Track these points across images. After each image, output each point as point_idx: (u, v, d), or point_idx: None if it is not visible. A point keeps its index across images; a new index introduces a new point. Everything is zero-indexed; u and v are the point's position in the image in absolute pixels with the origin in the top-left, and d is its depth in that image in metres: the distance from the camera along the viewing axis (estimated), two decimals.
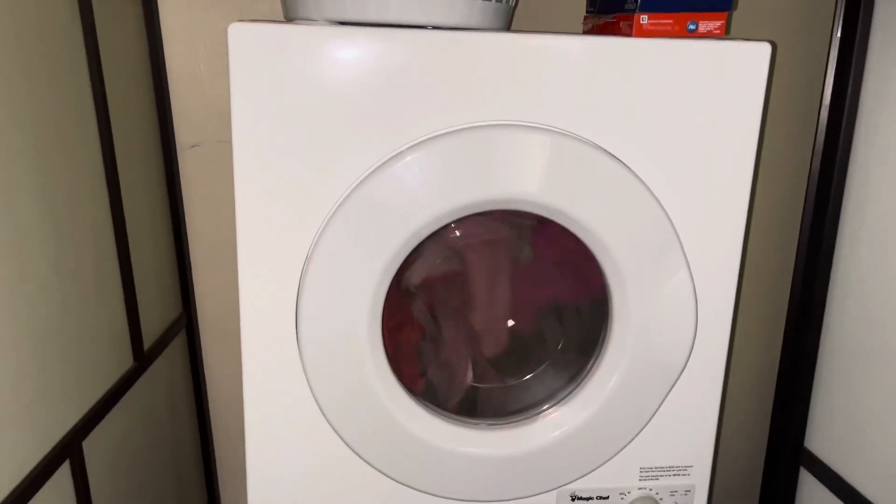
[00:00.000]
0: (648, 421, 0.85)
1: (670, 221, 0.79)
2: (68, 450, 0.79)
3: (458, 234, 0.86)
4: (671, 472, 0.90)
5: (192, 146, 1.14)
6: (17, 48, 0.72)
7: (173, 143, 1.12)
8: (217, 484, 1.28)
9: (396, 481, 0.85)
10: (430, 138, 0.74)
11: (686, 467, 0.90)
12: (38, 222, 0.75)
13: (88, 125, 0.87)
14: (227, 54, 1.08)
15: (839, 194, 1.02)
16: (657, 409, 0.85)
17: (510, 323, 0.91)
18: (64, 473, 0.79)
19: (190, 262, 1.18)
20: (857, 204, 1.00)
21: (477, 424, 0.86)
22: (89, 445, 0.84)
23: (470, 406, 0.90)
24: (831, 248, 1.03)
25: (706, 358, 0.86)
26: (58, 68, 0.79)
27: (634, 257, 0.79)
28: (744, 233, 0.82)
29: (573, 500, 0.89)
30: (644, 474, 0.89)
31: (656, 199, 0.78)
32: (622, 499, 0.90)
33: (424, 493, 0.86)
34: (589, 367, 0.85)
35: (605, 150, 0.76)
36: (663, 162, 0.78)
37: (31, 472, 0.72)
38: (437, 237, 0.84)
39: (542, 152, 0.75)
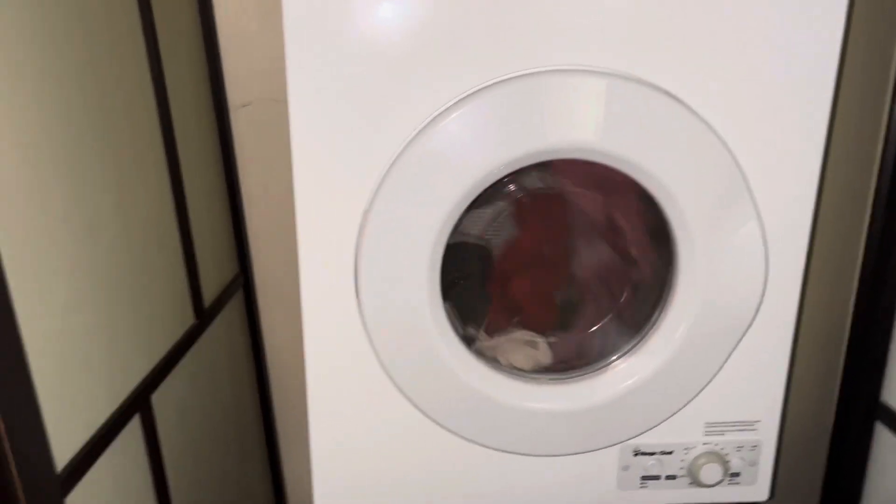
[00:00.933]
0: (716, 374, 0.83)
1: (740, 169, 0.76)
2: (138, 403, 0.81)
3: (517, 185, 0.84)
4: (738, 427, 0.88)
5: (244, 105, 1.14)
6: (78, 14, 0.72)
7: (225, 102, 1.12)
8: (277, 436, 1.30)
9: (459, 436, 0.85)
10: (483, 88, 0.71)
11: (753, 422, 0.88)
12: (104, 184, 0.76)
13: (145, 88, 0.87)
14: (275, 11, 1.07)
15: None
16: (725, 362, 0.83)
17: (572, 276, 0.89)
18: (135, 426, 0.81)
19: (245, 222, 1.19)
20: None
21: (538, 379, 0.85)
22: (158, 399, 0.86)
23: (531, 361, 0.89)
24: None
25: (776, 310, 0.83)
26: (114, 31, 0.79)
27: (701, 206, 0.76)
28: (818, 182, 0.78)
29: (636, 454, 0.88)
30: (710, 429, 0.87)
31: (725, 144, 0.75)
32: (686, 454, 0.88)
33: (486, 447, 0.86)
34: (655, 318, 0.82)
35: (668, 93, 0.73)
36: (731, 105, 0.74)
37: (105, 423, 0.74)
38: (497, 189, 0.82)
39: (600, 97, 0.72)
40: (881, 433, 1.06)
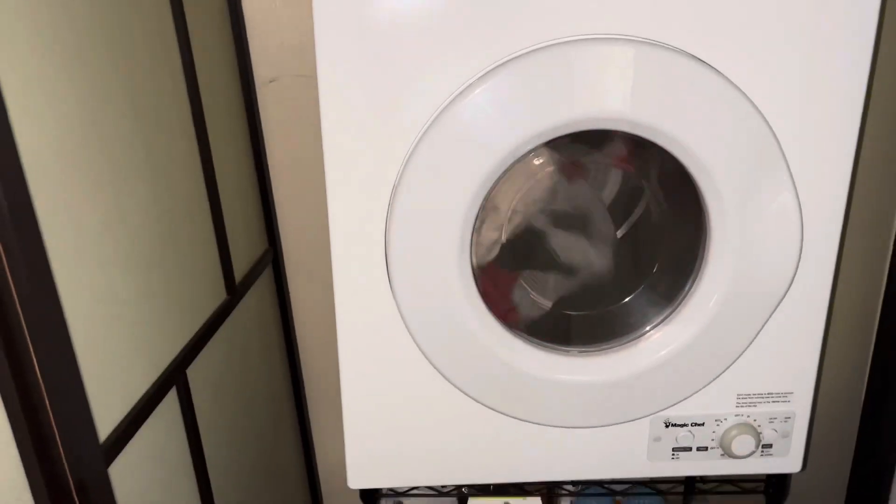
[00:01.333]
0: (749, 345, 0.82)
1: (774, 137, 0.74)
2: (175, 377, 0.83)
3: (547, 157, 0.83)
4: (770, 399, 0.87)
5: (270, 81, 1.14)
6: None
7: (251, 78, 1.12)
8: (307, 408, 1.32)
9: (490, 408, 0.85)
10: (510, 59, 0.71)
11: (786, 394, 0.87)
12: (136, 164, 0.77)
13: (174, 64, 0.87)
14: None
15: None
16: (758, 333, 0.82)
17: (604, 246, 0.89)
18: (172, 398, 0.82)
19: (272, 197, 1.19)
20: None
21: (568, 351, 0.85)
22: (193, 373, 0.87)
23: (563, 333, 0.89)
24: None
25: (811, 281, 0.81)
26: (142, 9, 0.80)
27: (734, 175, 0.75)
28: (855, 151, 0.77)
29: (668, 426, 0.88)
30: (742, 401, 0.87)
31: (758, 111, 0.73)
32: (718, 425, 0.88)
33: (517, 419, 0.86)
34: (687, 289, 0.82)
35: (698, 58, 0.71)
36: (765, 71, 0.72)
37: (144, 396, 0.76)
38: (528, 161, 0.81)
39: (628, 65, 0.71)
40: None
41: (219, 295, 0.99)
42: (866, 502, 1.15)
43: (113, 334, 0.71)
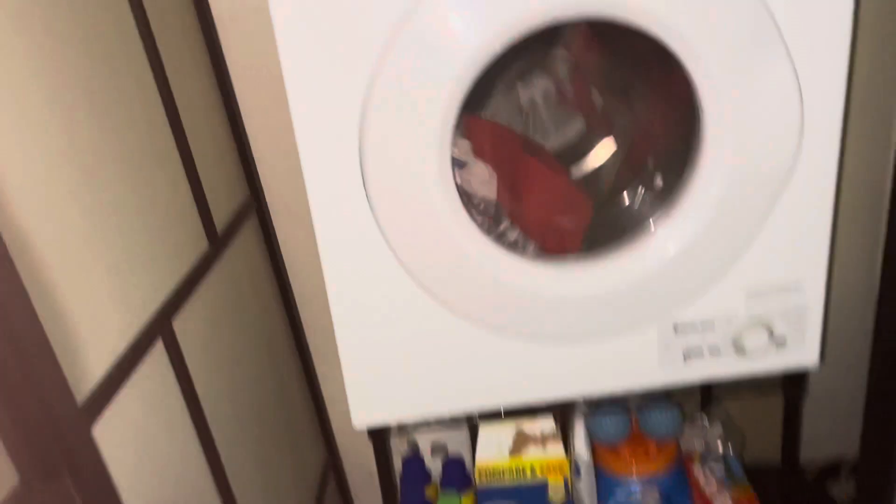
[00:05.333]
0: (755, 234, 0.78)
1: (766, 6, 0.69)
2: (159, 327, 0.79)
3: (528, 58, 0.78)
4: (781, 291, 0.83)
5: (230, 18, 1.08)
6: None
7: (210, 15, 1.06)
8: (309, 352, 1.30)
9: (490, 330, 0.82)
10: None
11: (798, 283, 0.83)
12: (96, 113, 0.72)
13: (123, 8, 0.82)
14: None
15: None
16: (763, 222, 0.78)
17: (593, 145, 0.84)
18: (159, 351, 0.79)
19: (249, 143, 1.15)
20: None
21: (566, 260, 0.81)
22: (179, 324, 0.84)
23: (561, 241, 0.85)
24: None
25: (815, 162, 0.77)
26: None
27: (723, 51, 0.69)
28: (852, 18, 0.71)
29: (676, 330, 0.85)
30: (752, 296, 0.83)
31: None
32: (729, 324, 0.85)
33: (520, 339, 0.83)
34: (685, 182, 0.77)
35: None
36: None
37: (126, 350, 0.73)
38: (506, 62, 0.76)
39: None
40: None
41: (200, 244, 0.95)
42: (887, 398, 1.12)
43: (85, 288, 0.67)
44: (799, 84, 0.72)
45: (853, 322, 1.25)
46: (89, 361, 0.66)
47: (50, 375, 0.60)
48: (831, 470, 1.39)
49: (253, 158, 1.16)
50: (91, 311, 0.68)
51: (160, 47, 0.89)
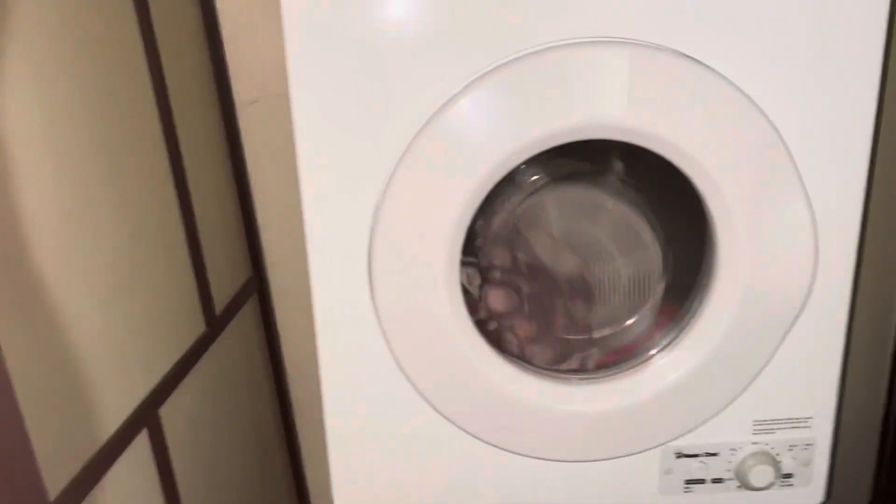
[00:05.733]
0: (763, 368, 0.77)
1: (785, 145, 0.69)
2: (145, 417, 0.77)
3: (539, 172, 0.78)
4: (789, 425, 0.81)
5: (251, 102, 1.09)
6: (70, 14, 0.67)
7: (231, 99, 1.07)
8: (298, 444, 1.26)
9: (487, 443, 0.79)
10: (495, 68, 0.66)
11: (806, 419, 0.81)
12: (101, 185, 0.72)
13: (143, 84, 0.82)
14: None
15: None
16: (773, 355, 0.76)
17: (603, 266, 0.83)
18: (142, 441, 0.76)
19: (257, 223, 1.14)
20: None
21: (571, 379, 0.79)
22: (167, 412, 0.82)
23: (562, 360, 0.83)
24: None
25: (827, 298, 0.76)
26: (108, 28, 0.75)
27: (740, 184, 0.69)
28: (869, 158, 0.71)
29: (679, 457, 0.82)
30: (758, 427, 0.81)
31: (767, 118, 0.68)
32: (734, 455, 0.82)
33: (517, 454, 0.80)
34: (695, 309, 0.76)
35: (699, 62, 0.66)
36: (774, 78, 0.67)
37: (110, 440, 0.70)
38: (518, 177, 0.76)
39: (624, 69, 0.66)
40: None
41: (196, 327, 0.93)
42: None
43: (68, 375, 0.65)
44: (814, 221, 0.71)
45: (856, 458, 1.22)
46: (67, 454, 0.63)
47: (24, 469, 0.57)
48: None
49: (259, 237, 1.16)
50: (74, 400, 0.65)
51: (177, 125, 0.89)
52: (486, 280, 0.81)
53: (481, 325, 0.77)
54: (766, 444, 0.82)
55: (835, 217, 0.72)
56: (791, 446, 0.82)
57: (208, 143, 1.01)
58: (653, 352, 0.78)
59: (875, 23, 0.67)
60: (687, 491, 0.84)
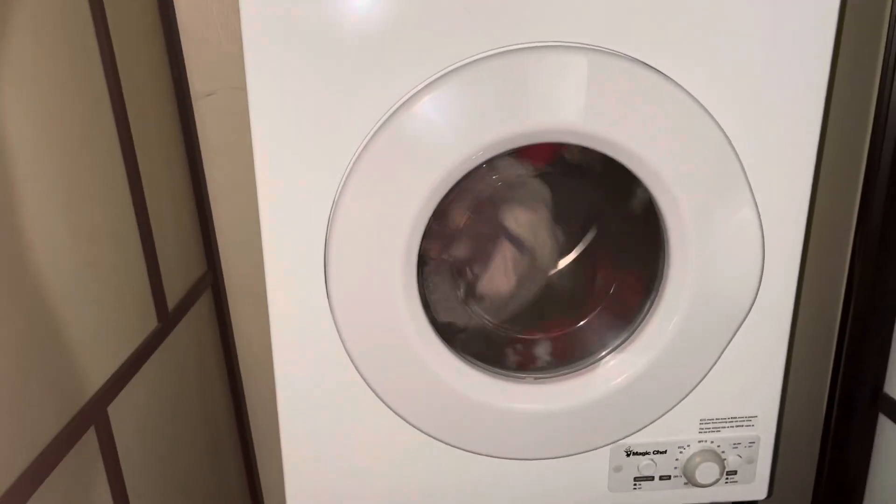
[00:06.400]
0: (711, 368, 0.79)
1: (734, 151, 0.71)
2: (93, 415, 0.75)
3: (496, 173, 0.79)
4: (734, 424, 0.83)
5: (208, 95, 1.07)
6: (20, 6, 0.65)
7: (186, 92, 1.05)
8: (251, 442, 1.25)
9: (440, 441, 0.80)
10: (455, 69, 0.66)
11: (750, 417, 0.83)
12: (52, 181, 0.70)
13: (97, 79, 0.80)
14: None
15: None
16: (720, 356, 0.78)
17: (556, 267, 0.84)
18: (90, 439, 0.75)
19: (212, 218, 1.13)
20: None
21: (524, 378, 0.80)
22: (116, 410, 0.80)
23: (516, 359, 0.84)
24: None
25: (773, 301, 0.78)
26: (60, 20, 0.73)
27: (693, 190, 0.71)
28: (814, 167, 0.74)
29: (629, 455, 0.83)
30: (705, 426, 0.83)
31: (718, 125, 0.70)
32: (681, 453, 0.84)
33: (469, 451, 0.81)
34: (646, 311, 0.78)
35: (656, 70, 0.68)
36: (724, 84, 0.69)
37: (55, 438, 0.68)
38: (474, 177, 0.77)
39: (583, 74, 0.67)
40: (885, 425, 1.02)
41: (149, 323, 0.91)
42: None
43: (16, 371, 0.63)
44: (761, 226, 0.74)
45: (800, 453, 1.26)
46: (9, 454, 0.62)
47: None
48: None
49: (214, 232, 1.14)
50: (17, 397, 0.64)
51: (131, 117, 0.87)
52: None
53: (437, 325, 0.77)
54: (712, 442, 0.84)
55: (781, 222, 0.75)
56: (735, 444, 0.84)
57: (163, 137, 0.99)
58: (604, 353, 0.79)
59: (823, 32, 0.69)
60: (636, 488, 0.86)
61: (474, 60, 0.66)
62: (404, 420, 0.78)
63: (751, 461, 0.85)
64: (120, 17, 0.86)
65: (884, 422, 1.02)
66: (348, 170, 0.69)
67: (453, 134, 0.67)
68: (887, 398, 1.01)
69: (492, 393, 0.77)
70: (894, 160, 0.96)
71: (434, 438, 0.79)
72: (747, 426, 0.84)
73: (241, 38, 0.67)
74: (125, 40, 0.87)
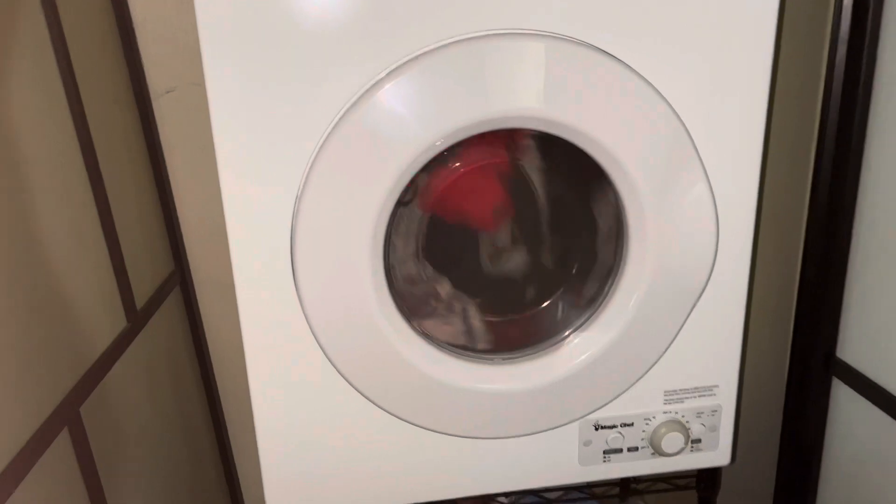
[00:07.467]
0: (671, 342, 0.81)
1: (686, 131, 0.73)
2: (66, 416, 0.75)
3: (459, 159, 0.80)
4: (697, 394, 0.87)
5: (167, 91, 1.07)
6: None
7: (145, 89, 1.05)
8: (227, 434, 1.25)
9: (411, 423, 0.81)
10: (414, 58, 0.68)
11: (712, 387, 0.87)
12: (9, 180, 0.69)
13: (52, 78, 0.80)
14: None
15: (867, 90, 0.95)
16: (680, 329, 0.81)
17: (519, 250, 0.86)
18: (64, 440, 0.75)
19: (177, 215, 1.12)
20: (888, 94, 0.94)
21: (492, 360, 0.82)
22: (88, 410, 0.80)
23: (483, 342, 0.86)
24: (860, 149, 0.97)
25: (729, 273, 0.81)
26: (12, 20, 0.72)
27: (649, 170, 0.74)
28: (763, 142, 0.77)
29: (597, 428, 0.86)
30: (669, 397, 0.86)
31: (670, 106, 0.72)
32: (647, 424, 0.87)
33: (441, 433, 0.83)
34: (607, 289, 0.80)
35: (610, 55, 0.70)
36: (674, 67, 0.71)
37: (29, 441, 0.68)
38: (438, 163, 0.78)
39: (540, 61, 0.69)
40: (838, 388, 1.07)
41: (117, 323, 0.91)
42: (794, 490, 1.16)
43: None
44: (715, 201, 0.76)
45: (764, 418, 1.31)
46: None
47: None
48: None
49: (180, 229, 1.14)
50: None
51: (89, 116, 0.87)
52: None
53: (405, 311, 0.78)
54: (676, 413, 0.87)
55: (734, 197, 0.78)
56: (699, 413, 0.88)
57: (123, 135, 0.99)
58: (568, 332, 0.82)
59: (765, 22, 0.72)
60: (606, 460, 0.89)
61: (433, 49, 0.67)
62: (376, 405, 0.80)
63: (714, 429, 0.89)
64: (74, 16, 0.85)
65: (837, 385, 1.07)
66: (311, 161, 0.70)
67: (415, 122, 0.69)
68: (839, 362, 1.06)
69: (461, 375, 0.79)
70: (840, 128, 0.99)
71: (406, 422, 0.81)
72: (709, 396, 0.87)
73: (197, 34, 0.67)
74: (80, 39, 0.87)
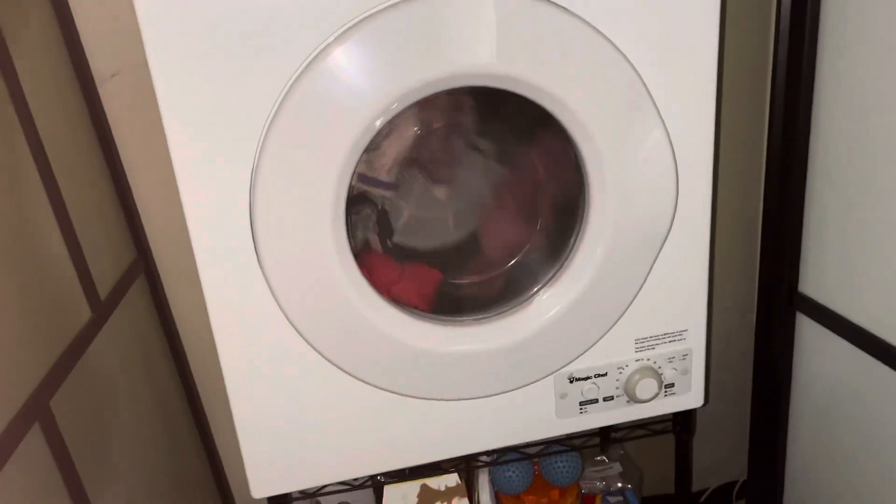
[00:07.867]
0: (639, 290, 0.82)
1: (639, 77, 0.73)
2: (35, 411, 0.74)
3: (416, 120, 0.79)
4: (667, 339, 0.88)
5: (112, 75, 1.04)
6: None
7: (89, 75, 1.01)
8: (206, 418, 1.25)
9: (387, 390, 0.82)
10: (362, 19, 0.66)
11: (681, 332, 0.88)
12: None
13: None
14: None
15: (815, 21, 0.96)
16: (647, 276, 0.82)
17: (482, 210, 0.86)
18: (36, 435, 0.74)
19: (135, 202, 1.10)
20: (836, 29, 0.94)
21: (463, 321, 0.82)
22: (59, 403, 0.79)
23: (453, 304, 0.86)
24: (811, 84, 0.98)
25: (690, 218, 0.82)
26: None
27: (605, 119, 0.73)
28: (715, 85, 0.77)
29: (572, 381, 0.87)
30: (640, 345, 0.87)
31: (622, 53, 0.72)
32: (620, 373, 0.88)
33: (418, 398, 0.83)
34: (572, 243, 0.80)
35: (562, 7, 0.69)
36: (624, 15, 0.71)
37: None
38: (395, 125, 0.77)
39: (490, 15, 0.68)
40: (802, 322, 1.09)
41: (81, 314, 0.90)
42: (769, 426, 1.19)
43: None
44: (672, 148, 0.77)
45: (736, 358, 1.34)
46: None
47: None
48: (723, 494, 1.47)
49: (139, 216, 1.11)
50: None
51: (32, 108, 0.84)
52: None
53: (373, 281, 0.78)
54: (648, 360, 0.88)
55: (691, 140, 0.78)
56: (670, 358, 0.89)
57: (70, 124, 0.96)
58: (536, 288, 0.82)
59: None
60: (582, 412, 0.90)
61: (380, 10, 0.66)
62: (351, 375, 0.80)
63: (685, 372, 0.90)
64: (7, 5, 0.82)
65: (801, 318, 1.09)
66: (264, 133, 0.68)
67: (368, 85, 0.68)
68: (802, 296, 1.08)
69: (433, 338, 0.80)
70: (790, 58, 0.99)
71: (382, 389, 0.81)
72: (679, 340, 0.89)
73: (136, 14, 0.65)
74: (14, 26, 0.84)
